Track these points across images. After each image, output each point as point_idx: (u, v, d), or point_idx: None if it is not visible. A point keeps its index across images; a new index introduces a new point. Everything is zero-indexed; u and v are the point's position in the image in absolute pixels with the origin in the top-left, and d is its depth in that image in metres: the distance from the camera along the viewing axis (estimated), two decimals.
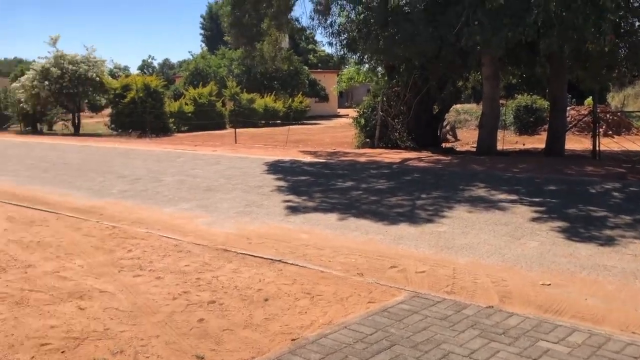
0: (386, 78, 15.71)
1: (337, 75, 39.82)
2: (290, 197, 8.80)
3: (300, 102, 34.79)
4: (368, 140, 16.20)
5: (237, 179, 10.46)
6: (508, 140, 17.33)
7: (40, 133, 26.39)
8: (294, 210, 7.88)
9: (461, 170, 11.36)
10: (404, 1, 12.46)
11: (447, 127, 19.89)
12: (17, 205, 8.39)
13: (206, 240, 6.36)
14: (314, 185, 9.86)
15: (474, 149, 14.62)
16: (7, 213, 7.84)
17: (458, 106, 24.53)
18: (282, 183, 10.06)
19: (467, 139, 18.95)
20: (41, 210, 8.00)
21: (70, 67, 24.96)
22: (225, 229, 6.94)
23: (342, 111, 44.42)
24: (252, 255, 5.61)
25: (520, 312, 3.99)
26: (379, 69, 15.50)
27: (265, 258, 5.51)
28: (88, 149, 17.10)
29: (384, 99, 15.56)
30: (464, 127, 23.68)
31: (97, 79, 25.56)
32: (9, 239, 6.42)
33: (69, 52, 25.99)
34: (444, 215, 7.28)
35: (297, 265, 5.28)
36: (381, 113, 15.53)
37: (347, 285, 4.70)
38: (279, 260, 5.43)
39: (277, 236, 6.52)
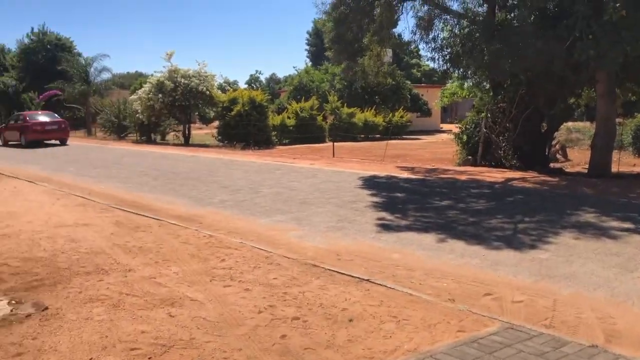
0: (491, 93, 15.13)
1: (440, 90, 39.13)
2: (384, 214, 8.66)
3: (401, 117, 34.46)
4: (470, 157, 15.67)
5: (331, 193, 10.49)
6: (625, 162, 16.03)
7: (153, 142, 28.16)
8: (386, 228, 7.73)
9: (570, 193, 10.63)
10: (512, 14, 11.96)
11: (557, 147, 18.77)
12: (125, 210, 8.92)
13: (296, 253, 6.38)
14: (409, 203, 9.65)
15: (586, 171, 13.65)
16: (115, 218, 8.36)
17: (569, 124, 23.15)
18: (376, 199, 9.94)
19: (579, 159, 17.75)
20: (146, 216, 8.44)
21: (182, 80, 26.46)
22: (316, 243, 6.94)
23: (444, 126, 43.46)
24: (340, 273, 5.54)
25: (628, 354, 3.60)
26: (484, 84, 14.96)
27: (353, 276, 5.42)
28: (195, 158, 17.96)
29: (488, 115, 15.00)
30: (575, 146, 22.27)
31: (207, 92, 26.87)
32: (115, 243, 6.82)
33: (183, 66, 27.59)
34: (547, 241, 6.81)
35: (385, 286, 5.14)
36: (485, 130, 14.97)
37: (436, 310, 4.50)
38: (367, 280, 5.31)
39: (367, 254, 6.42)
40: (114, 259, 6.08)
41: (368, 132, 32.22)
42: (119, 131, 31.41)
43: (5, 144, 27.93)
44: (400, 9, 13.54)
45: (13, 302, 4.77)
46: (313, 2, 13.28)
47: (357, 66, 14.64)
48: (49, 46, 53.50)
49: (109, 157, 18.91)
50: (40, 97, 44.81)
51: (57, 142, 26.83)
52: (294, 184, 11.76)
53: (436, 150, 21.97)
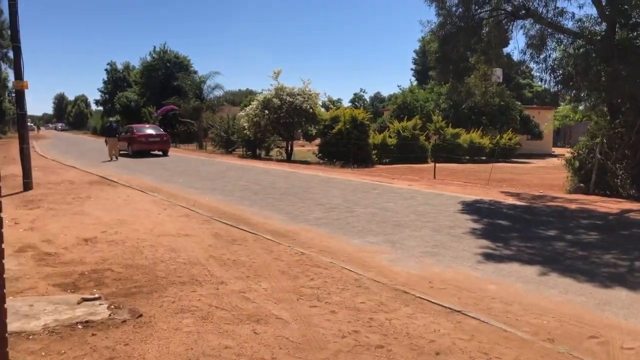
0: (607, 117, 14.07)
1: (552, 112, 37.10)
2: (483, 241, 8.26)
3: (509, 139, 33.07)
4: (582, 185, 14.63)
5: (428, 216, 10.20)
6: None
7: (258, 158, 29.11)
8: (485, 256, 7.36)
9: None
10: (635, 33, 11.07)
11: None
12: (224, 223, 9.22)
13: (387, 278, 6.23)
14: (511, 231, 9.14)
15: None
16: (215, 230, 8.65)
17: None
18: (476, 225, 9.53)
19: None
20: (243, 230, 8.66)
21: (287, 98, 27.23)
22: (408, 268, 6.74)
23: (556, 150, 41.19)
24: (430, 301, 5.32)
25: None
26: (599, 107, 13.95)
27: (444, 306, 5.19)
28: (295, 175, 18.31)
29: (604, 140, 13.96)
30: None
31: (310, 110, 27.43)
32: (211, 255, 7.04)
33: (289, 84, 28.40)
34: None
35: (478, 319, 4.86)
36: (599, 156, 13.94)
37: (532, 350, 4.17)
38: (459, 311, 5.06)
39: (461, 283, 6.13)
40: (208, 271, 6.27)
41: (473, 154, 31.24)
42: (227, 145, 32.84)
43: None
44: (510, 27, 13.03)
45: (112, 306, 5.04)
46: (419, 21, 13.15)
47: (463, 86, 14.24)
48: (168, 64, 57.34)
49: (215, 171, 19.76)
50: (158, 111, 48.02)
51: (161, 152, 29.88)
52: (390, 205, 11.59)
53: (545, 176, 20.81)
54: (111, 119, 28.62)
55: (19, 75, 12.46)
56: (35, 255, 6.87)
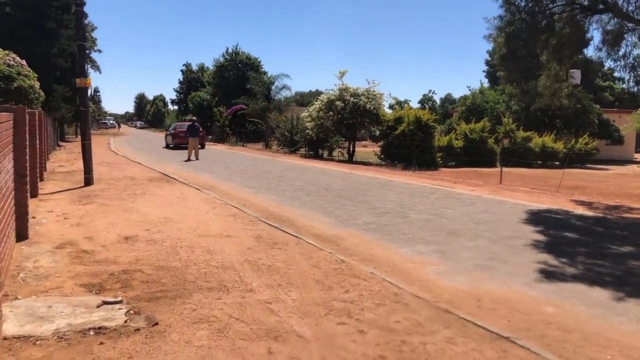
0: None
1: (633, 114, 34.66)
2: (545, 256, 7.46)
3: (586, 144, 31.08)
4: None
5: (487, 225, 9.43)
6: None
7: (320, 158, 28.79)
8: (545, 273, 6.59)
9: None
10: None
11: None
12: (269, 224, 8.87)
13: (430, 293, 5.64)
14: (579, 245, 8.25)
15: None
16: (258, 232, 8.31)
17: None
18: (539, 237, 8.69)
19: None
20: (286, 232, 8.27)
21: (351, 99, 26.74)
22: (456, 283, 6.11)
23: (639, 156, 38.49)
24: (475, 324, 4.70)
25: None
26: None
27: (490, 331, 4.56)
28: (352, 176, 17.80)
29: None
30: None
31: (374, 111, 26.81)
32: (247, 258, 6.68)
33: (355, 85, 27.89)
34: None
35: (528, 349, 4.22)
36: None
37: None
38: (507, 338, 4.42)
39: (514, 303, 5.45)
40: (239, 276, 5.91)
41: (545, 159, 29.60)
42: (290, 145, 32.76)
43: (167, 147, 35.05)
44: (586, 23, 11.94)
45: (131, 312, 4.75)
46: (484, 18, 12.29)
47: (531, 87, 13.24)
48: (239, 65, 58.20)
49: (274, 170, 19.58)
50: (228, 111, 48.83)
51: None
52: (447, 211, 10.86)
53: (624, 184, 19.24)
54: (193, 117, 28.72)
55: (82, 73, 12.68)
56: (73, 252, 6.76)
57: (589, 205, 12.52)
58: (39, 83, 17.75)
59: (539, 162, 29.46)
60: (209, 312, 4.78)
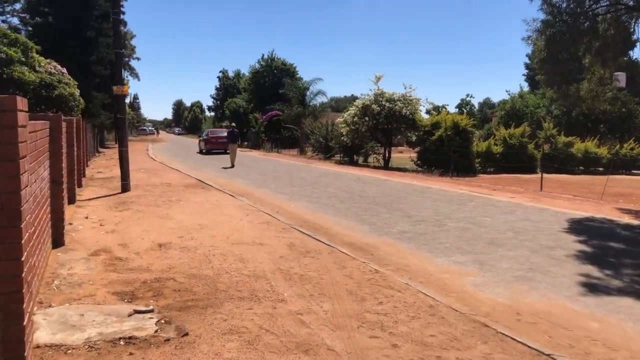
0: None
1: None
2: (589, 267, 7.17)
3: (631, 149, 30.06)
4: None
5: (527, 234, 9.14)
6: None
7: (355, 164, 28.64)
8: (588, 286, 6.32)
9: None
10: None
11: None
12: (302, 232, 8.81)
13: (468, 306, 5.47)
14: (625, 256, 7.90)
15: None
16: (291, 240, 8.26)
17: None
18: (582, 247, 8.37)
19: None
20: (319, 241, 8.19)
21: (387, 104, 26.54)
22: (495, 295, 5.91)
23: None
24: (514, 339, 4.52)
25: None
26: None
27: (530, 347, 4.37)
28: (388, 183, 17.61)
29: None
30: None
31: (410, 116, 26.54)
32: (279, 267, 6.63)
33: (390, 89, 27.71)
34: None
35: None
36: None
37: None
38: (548, 355, 4.23)
39: (556, 317, 5.23)
40: (271, 286, 5.85)
41: (588, 165, 28.78)
42: (325, 151, 32.74)
43: (200, 152, 37.34)
44: (632, 24, 11.52)
45: (162, 321, 4.74)
46: (523, 20, 11.99)
47: (572, 90, 12.84)
48: (275, 71, 58.62)
49: (308, 177, 19.56)
50: (263, 117, 49.18)
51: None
52: (486, 219, 10.60)
53: None
54: (232, 124, 28.86)
55: (119, 80, 12.92)
56: (107, 259, 6.83)
57: (635, 213, 12.03)
58: (79, 90, 18.23)
59: (581, 168, 28.66)
60: (240, 323, 4.73)
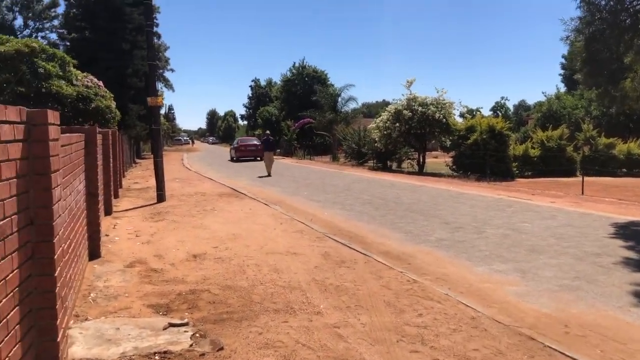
0: None
1: None
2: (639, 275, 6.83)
3: None
4: None
5: (570, 241, 8.80)
6: None
7: (389, 170, 28.38)
8: None
9: None
10: None
11: None
12: (337, 241, 8.68)
13: (511, 317, 5.24)
14: None
15: None
16: (325, 249, 8.13)
17: None
18: (630, 254, 7.99)
19: None
20: (355, 250, 8.05)
21: (419, 109, 26.24)
22: (539, 305, 5.66)
23: None
24: (563, 354, 4.29)
25: None
26: None
27: None
28: (423, 189, 17.33)
29: None
30: None
31: (444, 120, 26.18)
32: (314, 278, 6.51)
33: (423, 94, 27.40)
34: None
35: None
36: None
37: None
38: None
39: (607, 330, 4.95)
40: (306, 297, 5.74)
41: (631, 167, 27.84)
42: (357, 158, 32.57)
43: (231, 160, 39.35)
44: None
45: (197, 335, 4.67)
46: (560, 19, 11.61)
47: (616, 90, 12.37)
48: (306, 79, 58.87)
49: (341, 183, 19.43)
50: (295, 125, 49.36)
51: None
52: (526, 225, 10.27)
53: None
54: (267, 132, 28.19)
55: (153, 92, 13.07)
56: (142, 271, 6.83)
57: None
58: (115, 103, 18.52)
59: (624, 170, 27.74)
60: (275, 337, 4.62)
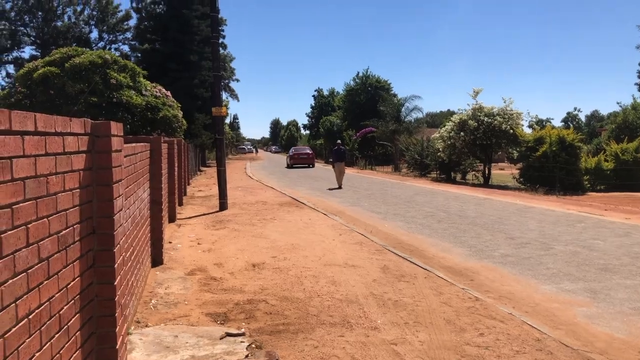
0: None
1: None
2: None
3: None
4: None
5: None
6: None
7: (452, 182, 27.78)
8: None
9: None
10: None
11: None
12: (396, 254, 8.54)
13: (580, 340, 4.98)
14: None
15: None
16: (384, 262, 8.02)
17: None
18: None
19: None
20: (415, 264, 7.89)
21: (485, 119, 25.59)
22: (611, 329, 5.34)
23: None
24: None
25: None
26: None
27: None
28: (488, 202, 16.84)
29: None
30: None
31: (511, 131, 25.41)
32: (372, 292, 6.42)
33: (489, 104, 26.74)
34: None
35: None
36: None
37: None
38: None
39: None
40: (364, 312, 5.66)
41: None
42: (420, 168, 32.10)
43: (287, 167, 43.18)
44: None
45: (253, 345, 4.70)
46: (637, 26, 11.01)
47: None
48: (369, 88, 58.72)
49: (402, 195, 19.19)
50: (357, 134, 49.34)
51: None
52: (597, 242, 9.76)
53: None
54: (338, 141, 26.17)
55: (217, 102, 13.38)
56: (202, 279, 6.96)
57: None
58: (181, 112, 19.14)
59: None
60: (331, 351, 4.57)
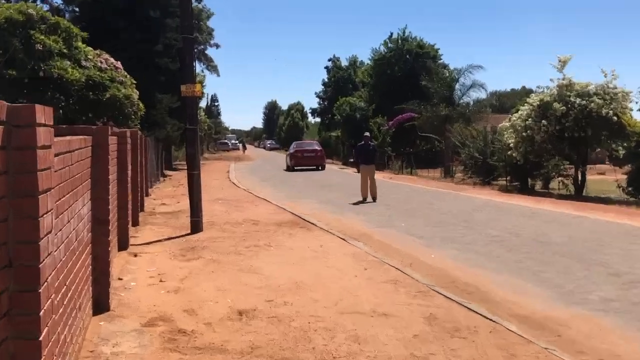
0: None
1: None
2: None
3: None
4: None
5: None
6: None
7: (529, 191, 27.60)
8: None
9: None
10: None
11: None
12: (448, 298, 8.56)
13: None
14: None
15: None
16: (430, 309, 8.04)
17: None
18: None
19: None
20: (475, 312, 7.91)
21: (577, 100, 25.40)
22: None
23: None
24: None
25: None
26: None
27: None
28: (581, 221, 16.80)
29: None
30: None
31: (615, 118, 25.19)
32: (414, 354, 6.41)
33: (580, 79, 26.57)
34: None
35: None
36: None
37: None
38: None
39: None
40: None
41: None
42: (482, 173, 31.98)
43: (287, 169, 45.81)
44: None
45: None
46: None
47: None
48: (407, 56, 59.03)
49: (456, 211, 19.24)
50: (390, 123, 49.38)
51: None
52: None
53: None
54: (366, 133, 25.18)
55: (188, 77, 13.46)
56: (166, 332, 6.99)
57: None
58: (137, 92, 19.25)
59: None
60: None
